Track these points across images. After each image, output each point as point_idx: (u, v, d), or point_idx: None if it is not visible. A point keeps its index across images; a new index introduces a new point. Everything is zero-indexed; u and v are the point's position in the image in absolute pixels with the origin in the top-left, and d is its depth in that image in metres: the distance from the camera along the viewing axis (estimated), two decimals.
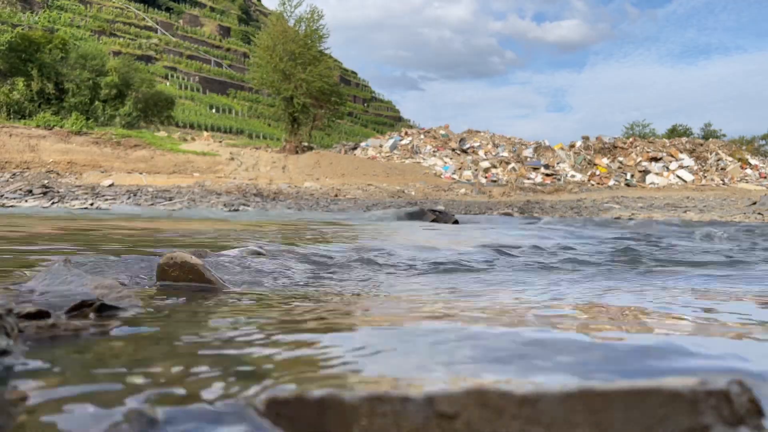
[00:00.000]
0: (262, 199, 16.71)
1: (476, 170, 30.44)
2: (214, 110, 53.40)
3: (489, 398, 0.66)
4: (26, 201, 13.13)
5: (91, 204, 12.79)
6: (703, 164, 32.17)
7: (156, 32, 62.14)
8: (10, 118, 27.74)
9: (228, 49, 67.26)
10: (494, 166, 31.15)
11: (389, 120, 73.80)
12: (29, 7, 54.70)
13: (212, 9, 72.33)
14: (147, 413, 0.81)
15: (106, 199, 14.02)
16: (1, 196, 13.88)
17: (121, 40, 56.14)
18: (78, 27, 53.34)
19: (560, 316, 1.70)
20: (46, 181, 18.82)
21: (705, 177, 30.77)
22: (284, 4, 32.17)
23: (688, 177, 30.42)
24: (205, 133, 37.75)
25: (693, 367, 1.11)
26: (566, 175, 30.70)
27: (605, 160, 32.16)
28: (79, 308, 1.44)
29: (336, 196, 20.62)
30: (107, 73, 31.49)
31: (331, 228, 7.09)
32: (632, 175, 30.82)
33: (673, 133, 51.36)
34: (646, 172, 31.11)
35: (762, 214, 13.52)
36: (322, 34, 32.24)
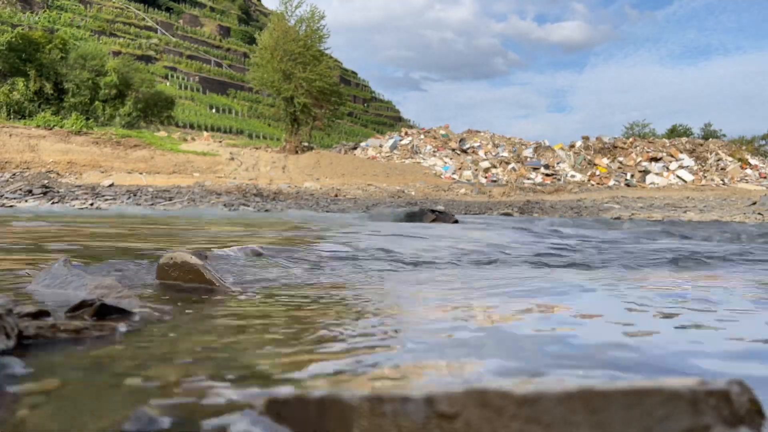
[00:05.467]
0: (262, 199, 16.71)
1: (476, 170, 30.44)
2: (214, 110, 53.39)
3: (489, 398, 0.66)
4: (26, 201, 13.13)
5: (92, 204, 12.79)
6: (703, 164, 32.18)
7: (156, 32, 62.14)
8: (10, 118, 27.73)
9: (228, 49, 67.26)
10: (494, 166, 31.15)
11: (389, 120, 73.80)
12: (29, 7, 54.70)
13: (212, 9, 72.32)
14: (148, 413, 0.81)
15: (107, 200, 14.01)
16: (1, 196, 13.88)
17: (121, 40, 56.13)
18: (78, 27, 53.33)
19: None
20: (46, 181, 18.82)
21: (705, 177, 30.77)
22: (285, 4, 32.21)
23: (688, 177, 30.42)
24: (205, 133, 37.75)
25: None
26: (566, 175, 30.70)
27: (605, 160, 32.16)
28: (79, 308, 1.44)
29: (336, 196, 20.61)
30: (107, 73, 31.48)
31: (330, 228, 7.09)
32: (632, 175, 30.82)
33: (673, 133, 51.36)
34: (646, 172, 31.12)
35: (762, 214, 13.52)
36: (322, 35, 32.27)
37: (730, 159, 32.57)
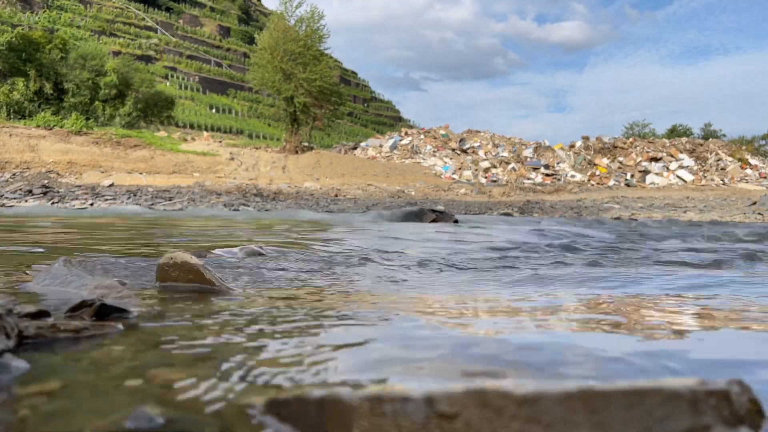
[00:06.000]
0: (262, 199, 16.71)
1: (476, 170, 30.44)
2: (214, 110, 53.39)
3: (489, 398, 0.66)
4: (26, 201, 13.13)
5: (91, 204, 12.79)
6: (703, 164, 32.17)
7: (156, 32, 62.13)
8: (10, 118, 27.73)
9: (228, 49, 67.25)
10: (494, 166, 31.15)
11: (389, 120, 73.80)
12: (29, 7, 54.69)
13: (212, 9, 72.32)
14: (148, 413, 0.81)
15: (107, 199, 14.01)
16: (1, 196, 13.88)
17: (121, 40, 56.12)
18: (78, 27, 53.33)
19: None
20: (46, 181, 18.82)
21: (705, 177, 30.77)
22: (285, 4, 32.22)
23: (688, 177, 30.42)
24: (205, 133, 37.75)
25: None
26: (566, 175, 30.70)
27: (605, 160, 32.16)
28: (79, 308, 1.44)
29: (336, 196, 20.61)
30: (107, 73, 31.48)
31: (330, 227, 7.09)
32: (632, 175, 30.82)
33: (673, 133, 51.35)
34: (646, 172, 31.12)
35: (762, 214, 13.52)
36: (322, 35, 32.28)
37: (730, 159, 32.56)
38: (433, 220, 8.80)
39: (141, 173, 24.33)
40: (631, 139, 35.25)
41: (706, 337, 1.47)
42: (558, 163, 32.06)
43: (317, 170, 28.14)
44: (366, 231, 6.59)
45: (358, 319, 1.61)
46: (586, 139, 34.48)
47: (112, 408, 0.86)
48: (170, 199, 14.87)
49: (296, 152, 30.78)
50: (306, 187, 23.23)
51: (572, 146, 33.90)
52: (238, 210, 12.82)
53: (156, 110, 35.06)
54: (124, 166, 25.27)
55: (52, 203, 12.75)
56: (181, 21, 67.58)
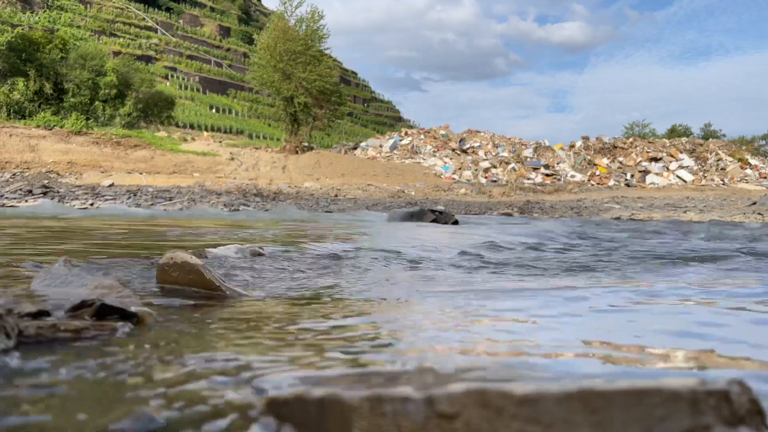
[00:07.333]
0: (262, 199, 16.71)
1: (476, 170, 30.43)
2: (214, 110, 53.37)
3: (489, 398, 0.66)
4: (26, 201, 13.13)
5: (92, 204, 12.78)
6: (703, 164, 32.17)
7: (156, 32, 62.14)
8: (10, 118, 27.72)
9: (228, 49, 67.25)
10: (494, 166, 31.14)
11: (389, 120, 73.79)
12: (29, 7, 54.69)
13: (212, 9, 72.32)
14: (148, 413, 0.81)
15: (107, 200, 14.01)
16: (1, 196, 13.88)
17: (121, 40, 56.12)
18: (78, 27, 53.32)
19: None
20: (46, 181, 18.82)
21: (705, 177, 30.77)
22: (285, 4, 32.22)
23: (688, 177, 30.42)
24: (205, 133, 37.74)
25: None
26: (566, 176, 30.69)
27: (605, 161, 32.15)
28: (80, 308, 1.44)
29: (336, 196, 20.61)
30: (107, 73, 31.46)
31: (330, 228, 7.09)
32: (632, 175, 30.82)
33: (673, 133, 51.32)
34: (646, 172, 31.11)
35: (762, 214, 13.52)
36: (322, 35, 32.28)
37: (730, 159, 32.55)
38: (433, 221, 8.79)
39: (141, 173, 24.33)
40: (631, 139, 35.23)
41: None
42: (558, 163, 32.06)
43: (317, 170, 28.14)
44: (366, 231, 6.59)
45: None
46: (586, 139, 34.47)
47: (112, 407, 0.86)
48: (170, 199, 14.87)
49: (296, 152, 30.78)
50: (306, 187, 23.23)
51: (572, 146, 33.89)
52: (238, 210, 12.82)
53: (156, 110, 35.03)
54: (124, 166, 25.26)
55: (53, 203, 12.75)
56: (181, 21, 67.58)
